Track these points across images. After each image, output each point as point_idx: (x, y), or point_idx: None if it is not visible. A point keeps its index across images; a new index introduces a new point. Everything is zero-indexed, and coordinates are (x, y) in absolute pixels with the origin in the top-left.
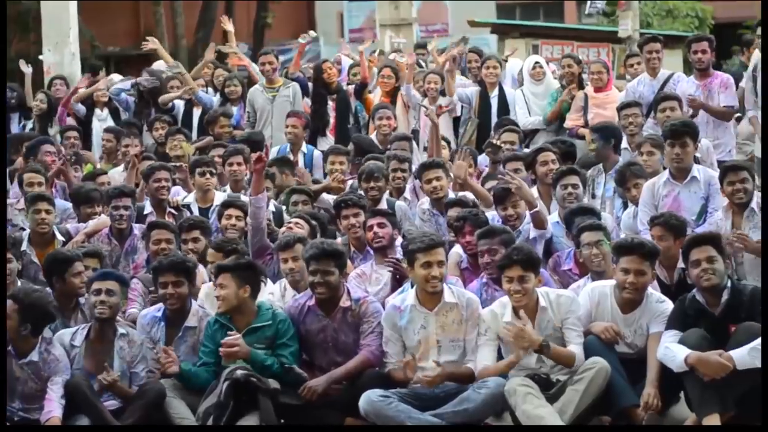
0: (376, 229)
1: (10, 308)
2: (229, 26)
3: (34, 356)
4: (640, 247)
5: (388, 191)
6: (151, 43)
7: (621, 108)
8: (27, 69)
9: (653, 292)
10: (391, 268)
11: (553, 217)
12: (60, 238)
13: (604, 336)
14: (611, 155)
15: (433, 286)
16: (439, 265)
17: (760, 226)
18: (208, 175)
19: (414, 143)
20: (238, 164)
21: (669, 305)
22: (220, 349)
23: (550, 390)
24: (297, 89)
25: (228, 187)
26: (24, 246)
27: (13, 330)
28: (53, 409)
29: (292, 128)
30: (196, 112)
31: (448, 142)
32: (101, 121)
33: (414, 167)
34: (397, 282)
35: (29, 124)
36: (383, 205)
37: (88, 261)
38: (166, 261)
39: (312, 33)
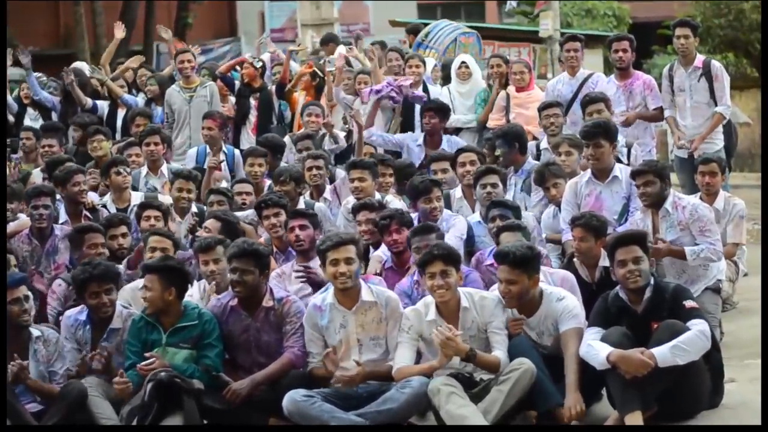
0: (297, 231)
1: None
2: (120, 33)
3: None
4: (507, 257)
5: (308, 192)
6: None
7: (542, 108)
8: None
9: (552, 290)
10: (303, 279)
11: (475, 217)
12: None
13: (513, 330)
14: (517, 157)
15: (342, 282)
16: (347, 261)
17: (675, 226)
18: (123, 173)
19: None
20: (155, 144)
21: (570, 301)
22: (138, 366)
23: (474, 389)
24: (214, 89)
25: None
26: None
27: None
28: None
29: (207, 130)
30: (120, 113)
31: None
32: (33, 120)
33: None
34: (315, 288)
35: None
36: (301, 206)
37: None
38: (96, 271)
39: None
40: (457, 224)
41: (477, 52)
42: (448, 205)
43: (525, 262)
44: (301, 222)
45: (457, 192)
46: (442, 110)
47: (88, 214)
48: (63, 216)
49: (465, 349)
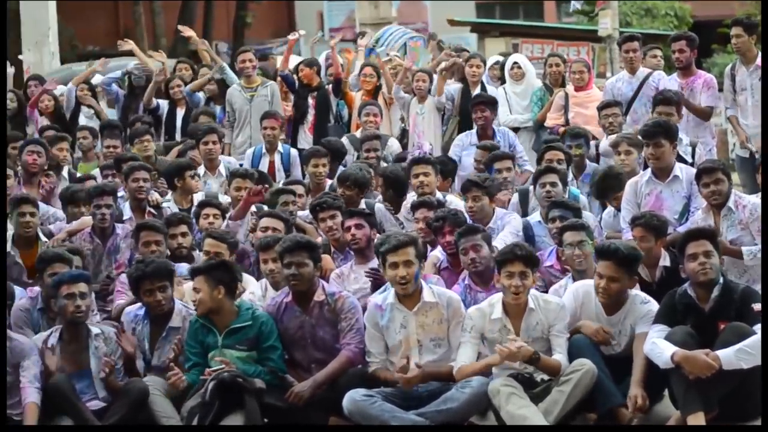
0: (353, 230)
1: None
2: (189, 32)
3: None
4: (614, 254)
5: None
6: (127, 44)
7: (601, 108)
8: (9, 69)
9: (638, 293)
10: (370, 279)
11: (535, 217)
12: (43, 239)
13: (596, 338)
14: (585, 160)
15: (402, 287)
16: (406, 264)
17: (736, 225)
18: (197, 178)
19: (395, 141)
20: (213, 143)
21: (654, 306)
22: (207, 371)
23: (534, 390)
24: (275, 88)
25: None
26: (8, 248)
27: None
28: (28, 395)
29: (270, 130)
30: (180, 112)
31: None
32: (88, 118)
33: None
34: (376, 288)
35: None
36: (361, 206)
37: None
38: (149, 268)
39: (302, 32)
40: (511, 221)
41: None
42: (526, 202)
43: (629, 262)
44: (356, 221)
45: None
46: (491, 102)
47: (152, 210)
48: (128, 212)
49: (530, 353)
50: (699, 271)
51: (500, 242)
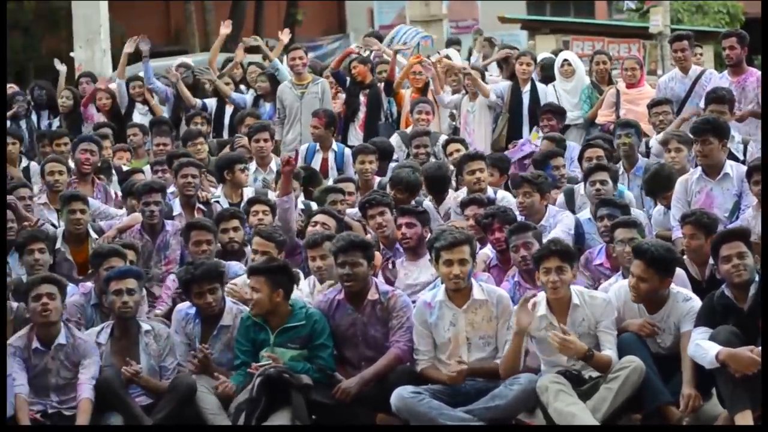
0: (404, 229)
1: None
2: (225, 29)
3: (61, 339)
4: (644, 254)
5: None
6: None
7: (651, 106)
8: (62, 67)
9: (680, 290)
10: None
11: (585, 214)
12: (94, 236)
13: (643, 332)
14: (637, 153)
15: (455, 284)
16: (461, 263)
17: None
18: (247, 172)
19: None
20: (264, 140)
21: (696, 303)
22: (253, 365)
23: (582, 387)
24: (326, 86)
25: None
26: (58, 244)
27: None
28: (83, 392)
29: (314, 129)
30: (228, 110)
31: (463, 141)
32: (143, 115)
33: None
34: None
35: (55, 122)
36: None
37: (112, 261)
38: (199, 271)
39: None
40: (564, 220)
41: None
42: (572, 201)
43: (660, 263)
44: (408, 220)
45: (581, 188)
46: (559, 112)
47: (202, 207)
48: (177, 209)
49: (583, 350)
50: (733, 273)
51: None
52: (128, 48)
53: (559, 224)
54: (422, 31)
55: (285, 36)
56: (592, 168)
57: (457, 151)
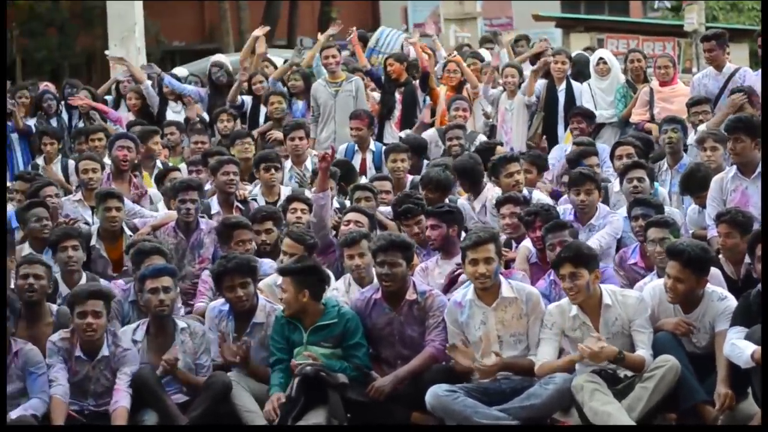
0: (429, 231)
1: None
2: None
3: (104, 351)
4: (680, 255)
5: None
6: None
7: (691, 105)
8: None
9: (714, 289)
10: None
11: (623, 212)
12: (128, 233)
13: (678, 331)
14: (682, 149)
15: (481, 283)
16: (486, 261)
17: None
18: (272, 171)
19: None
20: (300, 139)
21: (731, 302)
22: (292, 363)
23: (618, 386)
24: (360, 84)
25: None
26: (93, 241)
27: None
28: (120, 399)
29: (356, 131)
30: (263, 108)
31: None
32: (176, 113)
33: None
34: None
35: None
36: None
37: (154, 258)
38: (231, 264)
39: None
40: (613, 222)
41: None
42: (606, 199)
43: (696, 263)
44: (432, 222)
45: (615, 185)
46: (588, 116)
47: (240, 205)
48: (215, 207)
49: (614, 353)
50: None
51: (595, 242)
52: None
53: (607, 225)
54: (402, 32)
55: (324, 37)
56: (630, 165)
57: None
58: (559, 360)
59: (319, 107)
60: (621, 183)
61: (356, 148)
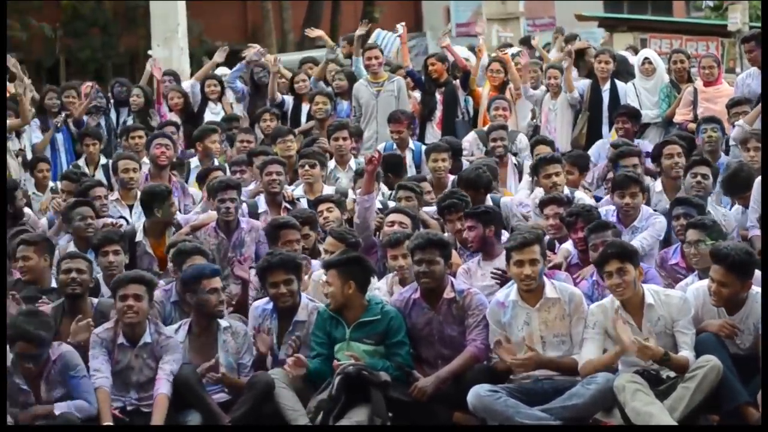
0: (466, 233)
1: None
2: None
3: (147, 338)
4: (725, 259)
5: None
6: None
7: (731, 105)
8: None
9: (759, 290)
10: (497, 282)
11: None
12: (172, 229)
13: (722, 333)
14: (720, 149)
15: (526, 284)
16: (531, 263)
17: None
18: (306, 167)
19: (524, 137)
20: (343, 139)
21: None
22: (335, 363)
23: (660, 387)
24: (402, 84)
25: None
26: (139, 237)
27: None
28: (161, 386)
29: (397, 134)
30: (305, 107)
31: (552, 144)
32: (214, 114)
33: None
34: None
35: (129, 120)
36: (488, 202)
37: (196, 258)
38: (275, 259)
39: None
40: (655, 224)
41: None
42: (647, 201)
43: (740, 268)
44: (469, 223)
45: (657, 185)
46: (634, 115)
47: (288, 206)
48: (262, 206)
49: (660, 353)
50: None
51: (637, 243)
52: (219, 58)
53: (650, 227)
54: (397, 35)
55: (362, 29)
56: (697, 161)
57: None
58: (602, 356)
59: (360, 107)
60: (684, 176)
61: (395, 146)
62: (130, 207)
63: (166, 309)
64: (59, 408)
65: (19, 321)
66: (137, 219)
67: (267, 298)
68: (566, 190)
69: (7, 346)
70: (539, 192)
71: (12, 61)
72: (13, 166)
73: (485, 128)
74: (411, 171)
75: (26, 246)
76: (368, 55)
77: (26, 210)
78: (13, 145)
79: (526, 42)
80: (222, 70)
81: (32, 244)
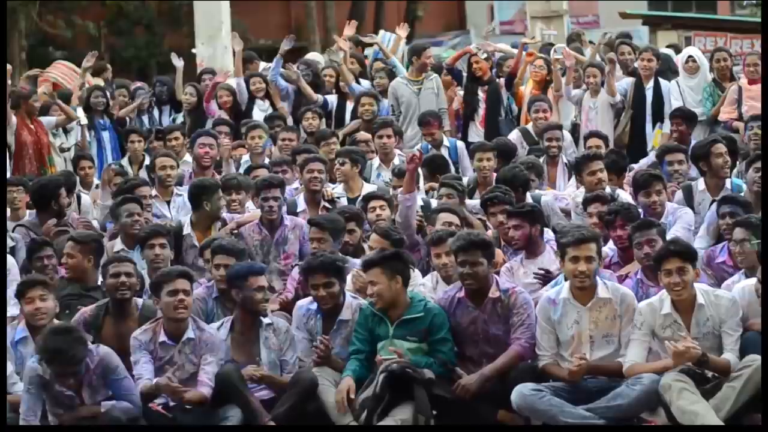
0: (511, 232)
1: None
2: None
3: (189, 334)
4: None
5: None
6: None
7: None
8: (179, 63)
9: None
10: (539, 281)
11: (712, 208)
12: (218, 225)
13: None
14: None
15: (580, 281)
16: (587, 260)
17: None
18: (338, 165)
19: (568, 134)
20: (388, 137)
21: None
22: (378, 358)
23: (706, 386)
24: (439, 80)
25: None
26: (186, 230)
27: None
28: (201, 388)
29: (430, 136)
30: (349, 106)
31: (606, 139)
32: (262, 111)
33: (567, 158)
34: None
35: (179, 117)
36: (528, 200)
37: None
38: (315, 262)
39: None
40: (683, 216)
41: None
42: (690, 197)
43: None
44: (514, 222)
45: (699, 184)
46: (690, 118)
47: (327, 205)
48: (302, 205)
49: (697, 355)
50: None
51: (672, 237)
52: (237, 46)
53: (678, 221)
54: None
55: (403, 31)
56: (759, 157)
57: (597, 146)
58: (649, 364)
59: (399, 106)
60: (746, 170)
61: (430, 147)
62: (168, 203)
63: (209, 305)
64: (104, 407)
65: (52, 340)
66: (176, 215)
67: (310, 298)
68: (608, 189)
69: (43, 363)
70: (580, 192)
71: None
72: (59, 163)
73: (528, 127)
74: (450, 167)
75: (73, 244)
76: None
77: (84, 197)
78: (59, 141)
79: (576, 39)
80: (265, 65)
81: (79, 243)
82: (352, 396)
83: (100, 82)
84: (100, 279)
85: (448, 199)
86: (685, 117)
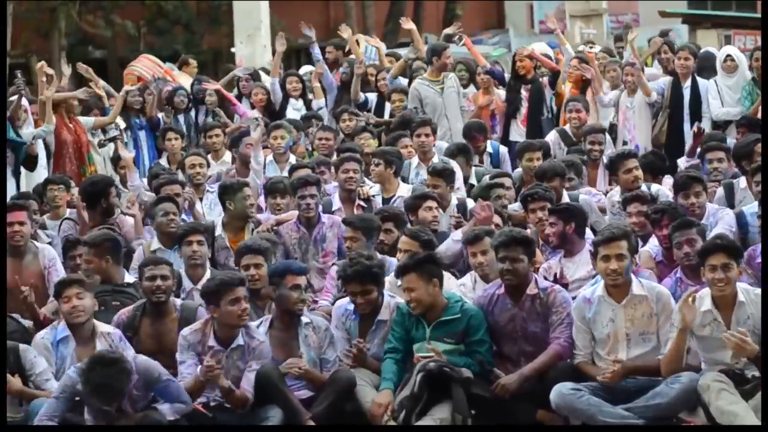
0: (547, 229)
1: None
2: (409, 24)
3: (239, 341)
4: None
5: None
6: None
7: None
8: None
9: None
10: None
11: (752, 207)
12: (251, 225)
13: None
14: None
15: (613, 279)
16: (618, 258)
17: None
18: (372, 166)
19: (608, 136)
20: (426, 135)
21: None
22: (417, 356)
23: (745, 386)
24: (456, 78)
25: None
26: (218, 231)
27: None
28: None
29: (476, 149)
30: (389, 105)
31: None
32: (296, 110)
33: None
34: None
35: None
36: (565, 199)
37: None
38: (350, 271)
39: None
40: (725, 217)
41: None
42: (731, 195)
43: None
44: (551, 219)
45: (741, 182)
46: (753, 125)
47: (362, 203)
48: (337, 203)
49: (755, 351)
50: None
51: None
52: (280, 46)
53: (719, 222)
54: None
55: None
56: None
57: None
58: (671, 345)
59: (423, 107)
60: None
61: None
62: (200, 200)
63: None
64: (161, 406)
65: (98, 374)
66: (209, 212)
67: (348, 298)
68: (644, 187)
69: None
70: (616, 191)
71: (84, 68)
72: (99, 161)
73: (566, 128)
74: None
75: (87, 248)
76: (446, 54)
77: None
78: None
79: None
80: (306, 69)
81: (92, 246)
82: (389, 413)
83: (186, 77)
84: (130, 278)
85: (505, 199)
86: (750, 125)
